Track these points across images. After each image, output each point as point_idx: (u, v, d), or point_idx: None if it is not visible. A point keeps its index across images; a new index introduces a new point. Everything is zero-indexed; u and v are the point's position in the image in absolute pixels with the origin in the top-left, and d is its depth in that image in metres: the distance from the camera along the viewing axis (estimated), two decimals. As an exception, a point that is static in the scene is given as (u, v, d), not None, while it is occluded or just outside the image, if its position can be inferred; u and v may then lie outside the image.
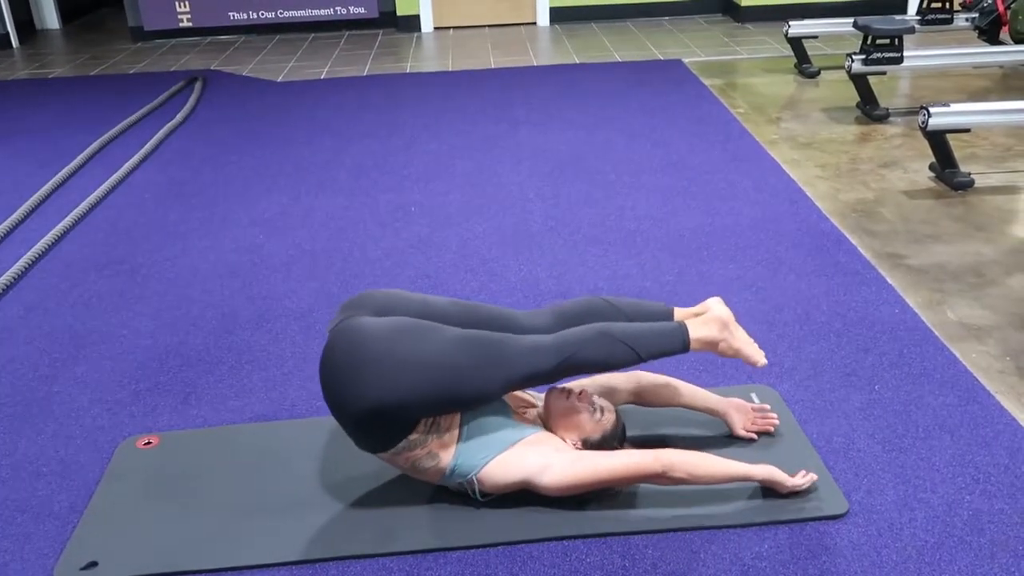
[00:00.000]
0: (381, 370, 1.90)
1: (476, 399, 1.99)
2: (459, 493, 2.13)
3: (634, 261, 3.37)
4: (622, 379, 2.32)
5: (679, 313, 2.24)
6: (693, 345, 2.11)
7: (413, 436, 1.97)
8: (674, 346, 2.10)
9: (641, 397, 2.33)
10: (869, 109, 4.97)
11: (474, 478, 2.04)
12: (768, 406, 2.37)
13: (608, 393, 2.28)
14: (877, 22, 4.92)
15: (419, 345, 1.94)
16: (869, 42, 4.88)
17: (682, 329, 2.11)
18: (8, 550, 2.08)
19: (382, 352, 1.92)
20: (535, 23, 8.01)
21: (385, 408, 1.91)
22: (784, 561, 1.94)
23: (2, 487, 2.30)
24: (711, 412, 2.33)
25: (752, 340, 2.19)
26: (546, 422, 2.17)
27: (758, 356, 2.16)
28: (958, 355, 2.68)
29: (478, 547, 2.01)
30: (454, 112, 5.40)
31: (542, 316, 2.16)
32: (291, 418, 2.53)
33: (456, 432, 2.03)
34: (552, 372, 2.01)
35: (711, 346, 2.13)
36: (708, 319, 2.15)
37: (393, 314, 2.03)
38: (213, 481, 2.26)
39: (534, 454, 2.04)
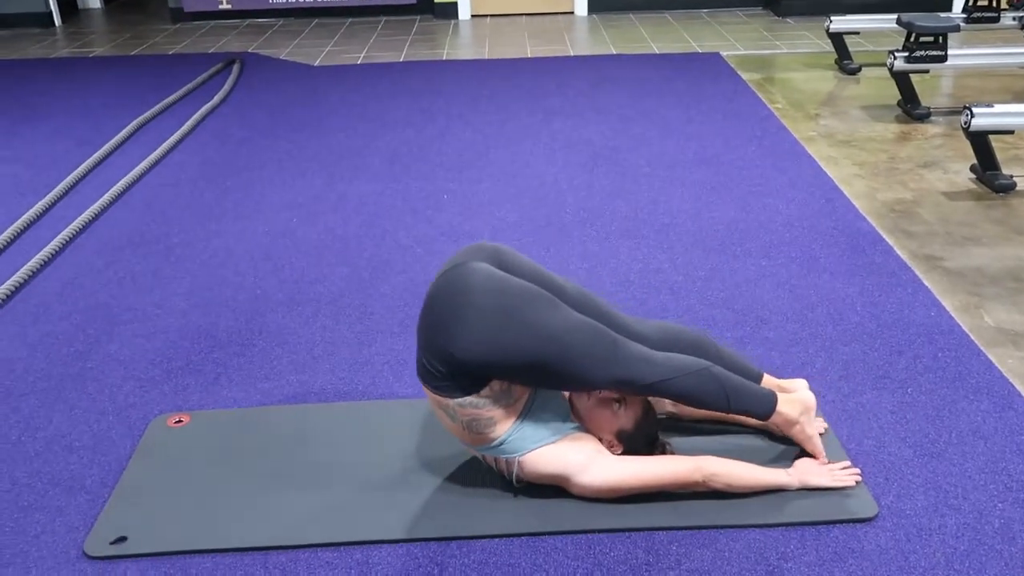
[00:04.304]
0: (498, 321, 1.91)
1: (574, 382, 2.01)
2: (488, 472, 2.14)
3: (666, 255, 3.35)
4: None
5: (767, 379, 2.29)
6: (774, 417, 2.16)
7: (483, 394, 1.97)
8: (760, 410, 2.15)
9: (681, 406, 2.32)
10: (910, 108, 4.90)
11: (517, 460, 2.05)
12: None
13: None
14: (921, 19, 4.84)
15: (542, 314, 1.95)
16: (912, 39, 4.80)
17: (773, 399, 2.15)
18: (40, 522, 2.11)
19: (505, 306, 1.93)
20: (573, 12, 7.97)
21: (477, 360, 1.91)
22: (810, 563, 1.92)
23: (35, 460, 2.34)
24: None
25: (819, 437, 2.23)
26: (581, 422, 2.17)
27: (821, 453, 2.20)
28: (994, 360, 2.63)
29: (502, 536, 2.01)
30: (489, 101, 5.39)
31: (649, 328, 2.18)
32: (319, 402, 2.54)
33: (521, 407, 2.05)
34: (648, 386, 2.03)
35: (788, 424, 2.18)
36: (794, 399, 2.19)
37: (513, 273, 2.04)
38: (242, 461, 2.28)
39: (577, 451, 2.05)
